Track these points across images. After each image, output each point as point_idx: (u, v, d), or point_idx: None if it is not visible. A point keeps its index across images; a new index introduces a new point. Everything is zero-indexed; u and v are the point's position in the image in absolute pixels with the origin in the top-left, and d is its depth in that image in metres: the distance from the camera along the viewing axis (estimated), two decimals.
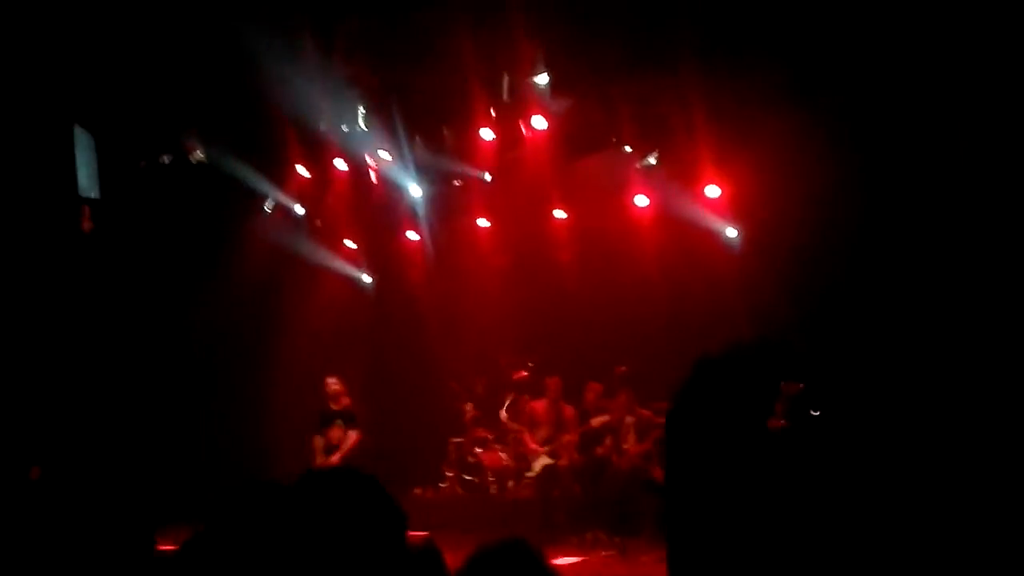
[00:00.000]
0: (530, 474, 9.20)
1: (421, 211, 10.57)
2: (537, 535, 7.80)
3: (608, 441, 8.89)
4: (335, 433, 8.74)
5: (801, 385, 5.63)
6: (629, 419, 8.84)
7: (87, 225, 9.99)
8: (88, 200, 9.94)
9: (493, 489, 10.14)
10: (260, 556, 1.74)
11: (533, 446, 9.20)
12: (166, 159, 9.87)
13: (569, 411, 9.19)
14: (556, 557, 7.29)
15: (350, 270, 11.77)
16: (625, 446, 8.74)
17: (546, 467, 9.01)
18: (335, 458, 8.61)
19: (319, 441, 8.82)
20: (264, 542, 1.71)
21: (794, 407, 5.63)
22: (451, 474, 10.76)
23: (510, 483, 9.95)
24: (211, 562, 1.90)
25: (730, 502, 1.98)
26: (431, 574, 1.84)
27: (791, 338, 7.16)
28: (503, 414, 10.15)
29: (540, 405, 9.38)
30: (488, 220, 10.82)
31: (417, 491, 10.86)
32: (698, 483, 1.98)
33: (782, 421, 5.33)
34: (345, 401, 8.98)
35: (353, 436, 8.69)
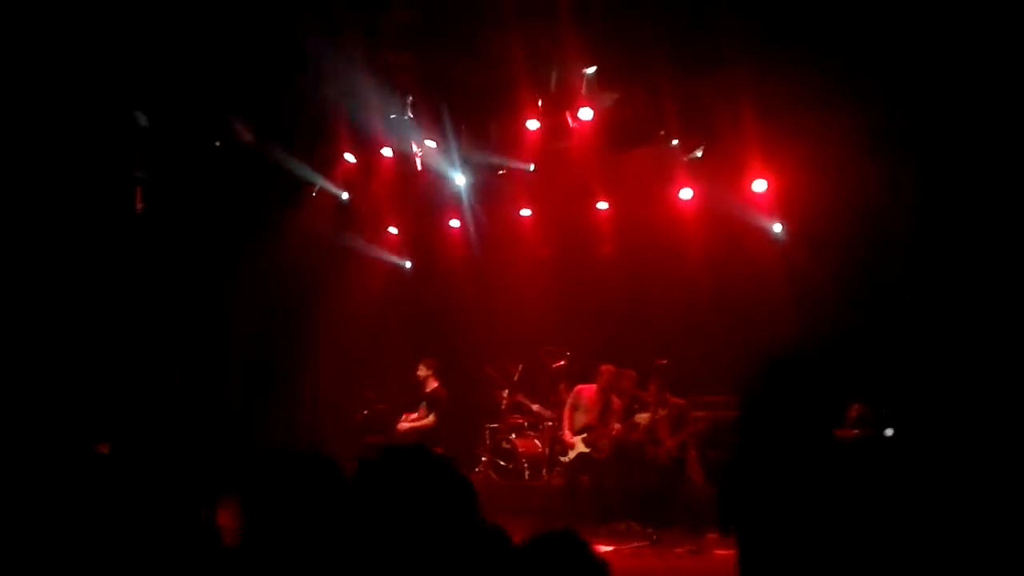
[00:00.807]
0: (564, 459, 9.07)
1: (465, 200, 10.65)
2: (568, 523, 7.88)
3: (643, 431, 8.89)
4: (418, 414, 9.40)
5: (872, 392, 5.59)
6: (662, 411, 8.83)
7: (139, 205, 10.25)
8: (140, 180, 10.20)
9: (527, 475, 10.25)
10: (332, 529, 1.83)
11: (568, 437, 8.98)
12: (217, 143, 10.06)
13: (617, 402, 8.94)
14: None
15: (393, 257, 11.93)
16: (659, 436, 8.75)
17: (580, 455, 8.88)
18: (404, 426, 9.23)
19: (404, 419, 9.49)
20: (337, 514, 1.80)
21: (866, 418, 5.57)
22: (485, 459, 10.89)
23: (543, 470, 10.02)
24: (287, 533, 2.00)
25: (798, 509, 2.02)
26: (499, 549, 1.91)
27: (836, 337, 7.10)
28: (535, 407, 10.21)
29: (589, 391, 9.11)
30: (531, 210, 10.88)
31: None
32: (766, 490, 2.02)
33: (855, 431, 5.30)
34: (432, 385, 9.35)
35: (431, 419, 9.21)
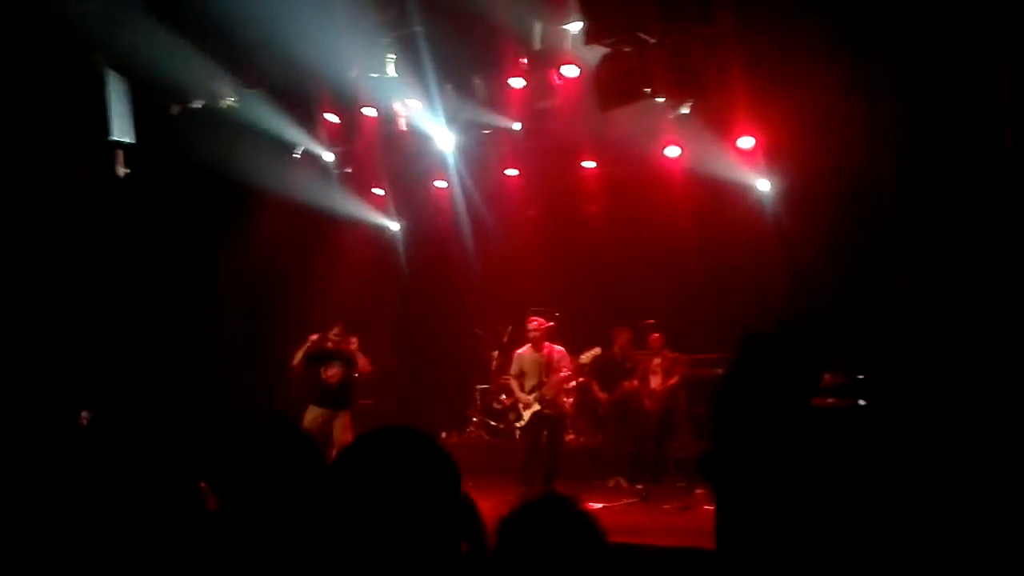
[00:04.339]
0: (520, 423, 8.60)
1: (450, 160, 10.53)
2: (559, 480, 7.95)
3: (636, 380, 8.88)
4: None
5: (848, 359, 5.52)
6: (656, 360, 8.81)
7: (121, 170, 10.10)
8: (122, 145, 10.03)
9: (518, 434, 10.29)
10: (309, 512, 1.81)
11: (523, 396, 8.49)
12: (197, 105, 9.88)
13: (557, 352, 8.48)
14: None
15: (378, 218, 11.83)
16: (652, 386, 8.75)
17: (535, 413, 8.41)
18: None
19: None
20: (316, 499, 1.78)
21: (842, 386, 5.54)
22: (476, 419, 10.96)
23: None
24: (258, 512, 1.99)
25: (775, 479, 2.03)
26: (470, 530, 1.89)
27: (823, 297, 7.07)
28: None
29: (526, 351, 8.60)
30: (518, 170, 10.78)
31: (443, 435, 11.09)
32: (745, 461, 2.03)
33: (829, 399, 5.28)
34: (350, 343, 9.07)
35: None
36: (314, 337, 8.83)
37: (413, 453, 1.72)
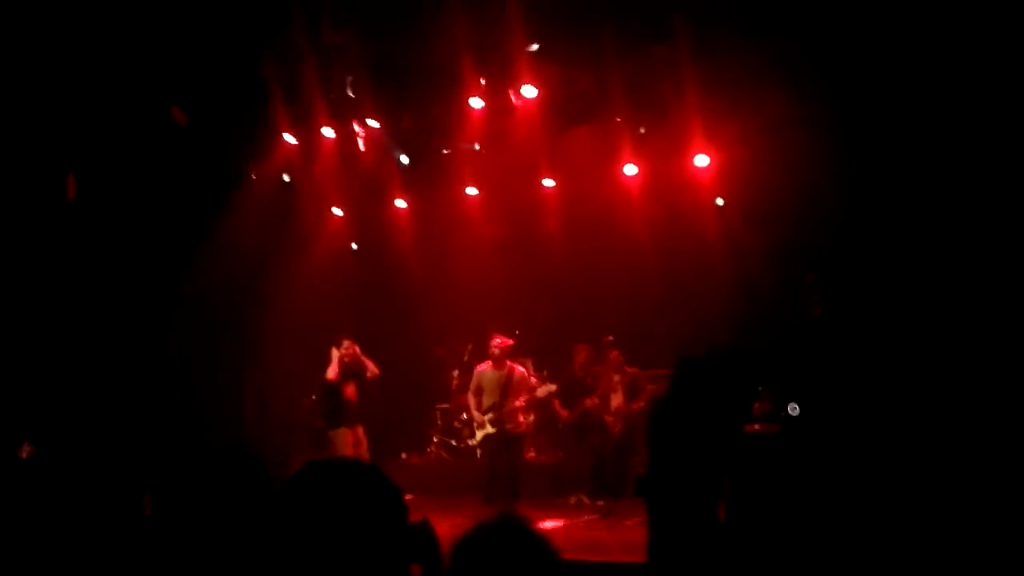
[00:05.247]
0: (472, 442, 8.82)
1: (409, 179, 10.54)
2: (518, 499, 7.95)
3: (596, 398, 8.91)
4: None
5: (778, 385, 5.63)
6: (616, 378, 8.86)
7: (71, 194, 9.90)
8: (72, 167, 9.84)
9: (478, 454, 10.28)
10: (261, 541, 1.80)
11: (478, 416, 8.60)
12: (154, 125, 9.75)
13: (517, 372, 8.57)
14: (537, 522, 7.34)
15: (337, 238, 11.76)
16: (615, 404, 8.79)
17: (486, 435, 8.51)
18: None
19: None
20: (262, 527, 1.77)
21: (772, 412, 5.63)
22: (437, 439, 10.92)
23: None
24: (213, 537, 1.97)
25: (707, 504, 2.07)
26: (424, 554, 1.88)
27: (768, 317, 7.18)
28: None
29: (486, 369, 8.67)
30: (477, 189, 10.82)
31: (404, 456, 11.03)
32: (677, 487, 2.07)
33: (758, 426, 5.39)
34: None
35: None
36: (336, 351, 8.62)
37: (356, 484, 1.72)
